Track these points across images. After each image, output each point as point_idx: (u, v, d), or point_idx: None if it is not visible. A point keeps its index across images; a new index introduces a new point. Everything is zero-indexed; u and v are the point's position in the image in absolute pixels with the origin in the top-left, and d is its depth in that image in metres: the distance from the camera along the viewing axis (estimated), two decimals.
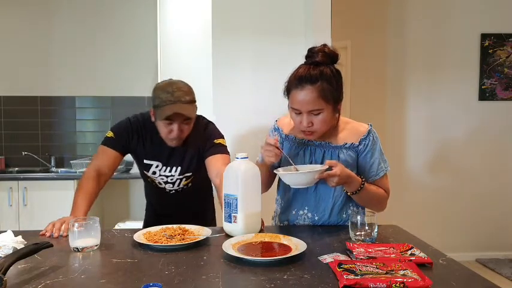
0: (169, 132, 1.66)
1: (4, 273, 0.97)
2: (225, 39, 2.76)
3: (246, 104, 2.79)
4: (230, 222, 1.40)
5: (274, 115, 1.72)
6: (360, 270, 1.03)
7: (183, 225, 1.44)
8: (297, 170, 1.45)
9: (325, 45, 1.43)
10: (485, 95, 3.87)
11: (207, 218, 1.98)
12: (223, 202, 1.43)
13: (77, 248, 1.25)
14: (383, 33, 3.85)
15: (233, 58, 2.78)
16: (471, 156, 3.88)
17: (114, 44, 3.77)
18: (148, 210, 2.04)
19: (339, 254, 1.21)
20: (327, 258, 1.17)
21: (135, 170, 3.39)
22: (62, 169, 3.60)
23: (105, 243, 1.33)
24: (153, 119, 1.71)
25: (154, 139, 1.75)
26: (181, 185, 1.83)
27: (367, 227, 1.31)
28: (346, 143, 1.50)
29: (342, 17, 3.48)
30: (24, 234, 1.36)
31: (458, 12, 3.83)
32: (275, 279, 1.03)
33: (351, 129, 1.53)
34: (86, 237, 1.27)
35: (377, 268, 1.04)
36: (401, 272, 1.02)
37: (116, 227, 2.98)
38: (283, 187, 1.60)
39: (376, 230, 1.32)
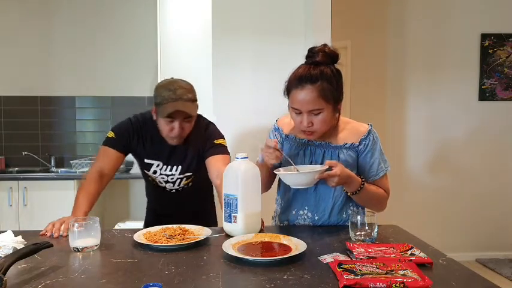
0: (170, 130, 1.67)
1: (4, 273, 0.97)
2: (225, 39, 2.76)
3: (246, 104, 2.79)
4: (230, 222, 1.40)
5: (274, 115, 1.72)
6: (360, 270, 1.03)
7: (183, 225, 1.44)
8: (297, 171, 1.45)
9: (325, 45, 1.43)
10: (485, 95, 3.87)
11: (207, 218, 1.98)
12: (223, 202, 1.43)
13: (77, 248, 1.26)
14: (383, 33, 3.85)
15: (233, 58, 2.78)
16: (471, 156, 3.88)
17: (114, 44, 3.77)
18: (148, 210, 2.04)
19: (339, 254, 1.21)
20: (327, 258, 1.17)
21: (135, 170, 3.40)
22: (62, 169, 3.60)
23: (105, 243, 1.33)
24: (154, 117, 1.72)
25: (155, 138, 1.76)
26: (181, 185, 1.83)
27: (367, 227, 1.31)
28: (346, 143, 1.50)
29: (342, 17, 3.48)
30: (24, 234, 1.36)
31: (458, 12, 3.83)
32: (275, 279, 1.03)
33: (351, 129, 1.53)
34: (86, 237, 1.27)
35: (377, 268, 1.04)
36: (401, 272, 1.02)
37: (116, 227, 2.99)
38: (283, 187, 1.60)
39: (376, 230, 1.32)
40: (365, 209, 1.50)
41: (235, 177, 1.39)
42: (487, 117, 3.88)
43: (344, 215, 1.53)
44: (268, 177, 1.56)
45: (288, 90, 1.43)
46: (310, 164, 1.51)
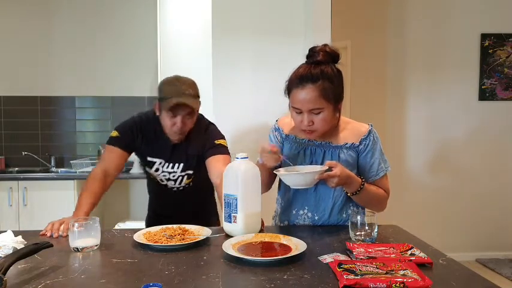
0: (172, 125, 1.69)
1: (4, 273, 0.97)
2: (225, 39, 2.77)
3: (246, 104, 2.79)
4: (230, 222, 1.40)
5: (274, 115, 1.72)
6: (360, 270, 1.03)
7: (183, 225, 1.44)
8: (297, 171, 1.45)
9: (326, 45, 1.43)
10: (485, 95, 3.87)
11: (207, 218, 1.99)
12: (223, 202, 1.43)
13: (77, 248, 1.26)
14: (383, 33, 3.85)
15: (233, 58, 2.78)
16: (471, 156, 3.88)
17: (114, 44, 3.77)
18: (149, 210, 2.05)
19: (339, 254, 1.21)
20: (327, 258, 1.16)
21: (135, 170, 3.40)
22: (62, 169, 3.60)
23: (105, 243, 1.33)
24: (157, 113, 1.74)
25: (157, 137, 1.79)
26: (183, 183, 1.84)
27: (367, 227, 1.31)
28: (347, 143, 1.50)
29: (342, 17, 3.48)
30: (24, 234, 1.36)
31: (458, 12, 3.83)
32: (275, 279, 1.03)
33: (351, 129, 1.53)
34: (86, 237, 1.27)
35: (377, 268, 1.04)
36: (401, 272, 1.02)
37: (116, 227, 2.98)
38: (283, 187, 1.61)
39: (376, 230, 1.32)
40: (365, 209, 1.50)
41: (235, 177, 1.39)
42: (487, 117, 3.88)
43: (344, 215, 1.53)
44: (269, 177, 1.56)
45: (289, 89, 1.43)
46: (311, 164, 1.51)
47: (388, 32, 3.85)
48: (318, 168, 1.41)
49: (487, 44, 3.83)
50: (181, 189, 1.86)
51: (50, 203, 3.16)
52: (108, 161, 1.74)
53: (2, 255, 1.16)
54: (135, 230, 1.43)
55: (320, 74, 1.37)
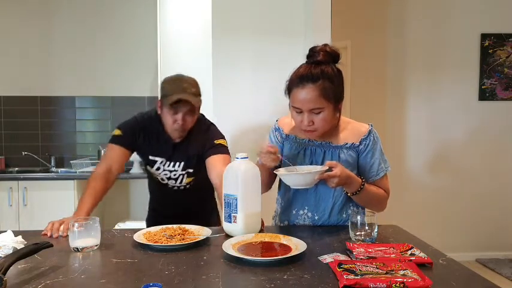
0: (173, 122, 1.71)
1: (4, 273, 0.97)
2: (225, 39, 2.77)
3: (246, 104, 2.79)
4: (230, 222, 1.40)
5: (274, 115, 1.72)
6: (360, 270, 1.03)
7: (183, 225, 1.44)
8: (297, 171, 1.45)
9: (326, 45, 1.43)
10: (485, 95, 3.87)
11: (207, 218, 1.99)
12: (223, 202, 1.44)
13: (77, 248, 1.26)
14: (383, 33, 3.85)
15: (233, 58, 2.78)
16: (471, 156, 3.88)
17: (114, 44, 3.77)
18: (150, 210, 2.05)
19: (339, 254, 1.21)
20: (327, 258, 1.16)
21: (135, 170, 3.40)
22: (62, 169, 3.60)
23: (105, 243, 1.33)
24: (159, 111, 1.76)
25: (159, 136, 1.80)
26: (183, 182, 1.84)
27: (367, 227, 1.31)
28: (347, 143, 1.50)
29: (342, 17, 3.48)
30: (24, 234, 1.36)
31: (458, 12, 3.83)
32: (275, 279, 1.03)
33: (351, 129, 1.53)
34: (86, 237, 1.27)
35: (377, 268, 1.04)
36: (401, 272, 1.02)
37: (116, 227, 2.98)
38: (283, 187, 1.61)
39: (376, 230, 1.32)
40: (365, 209, 1.50)
41: (235, 177, 1.39)
42: (487, 117, 3.88)
43: (344, 215, 1.53)
44: (269, 177, 1.56)
45: (289, 89, 1.43)
46: (311, 164, 1.51)
47: (388, 32, 3.85)
48: (318, 168, 1.41)
49: (487, 44, 3.83)
50: (181, 188, 1.86)
51: (50, 203, 3.16)
52: (110, 159, 1.75)
53: (2, 255, 1.16)
54: (135, 230, 1.43)
55: (320, 73, 1.37)
